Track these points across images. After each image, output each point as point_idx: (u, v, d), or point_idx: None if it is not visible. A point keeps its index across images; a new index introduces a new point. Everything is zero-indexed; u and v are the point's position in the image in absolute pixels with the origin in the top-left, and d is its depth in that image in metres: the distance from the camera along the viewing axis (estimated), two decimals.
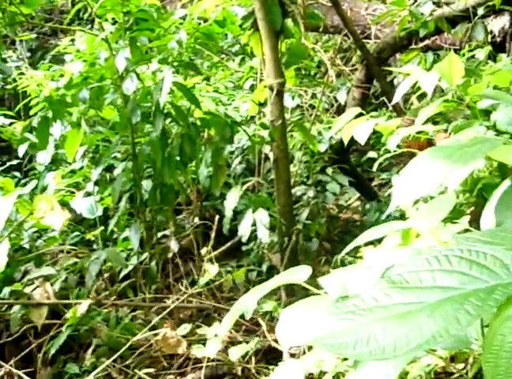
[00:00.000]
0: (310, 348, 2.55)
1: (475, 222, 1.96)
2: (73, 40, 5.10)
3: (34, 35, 7.86)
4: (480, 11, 5.32)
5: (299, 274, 1.26)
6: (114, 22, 4.44)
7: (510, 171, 2.19)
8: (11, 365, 3.46)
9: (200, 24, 4.56)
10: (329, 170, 6.34)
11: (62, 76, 4.62)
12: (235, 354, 3.21)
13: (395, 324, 0.69)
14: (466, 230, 1.79)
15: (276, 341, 3.59)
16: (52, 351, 3.85)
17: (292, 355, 2.85)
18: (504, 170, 2.30)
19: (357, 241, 1.53)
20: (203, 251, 4.19)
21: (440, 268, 0.74)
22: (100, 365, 3.47)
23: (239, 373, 3.34)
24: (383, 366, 1.05)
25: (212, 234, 4.36)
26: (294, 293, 4.36)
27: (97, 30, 4.70)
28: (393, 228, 1.55)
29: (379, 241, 1.93)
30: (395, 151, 2.55)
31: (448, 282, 0.73)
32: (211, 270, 3.83)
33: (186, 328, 3.62)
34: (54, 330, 3.96)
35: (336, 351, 0.69)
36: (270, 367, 3.19)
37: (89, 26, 6.90)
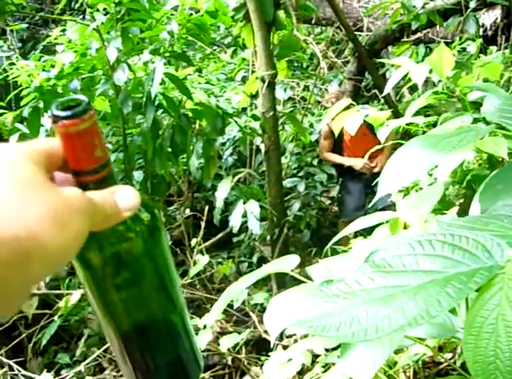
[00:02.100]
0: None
1: (464, 213, 1.97)
2: (64, 30, 5.08)
3: (25, 25, 7.82)
4: (472, 4, 5.34)
5: (288, 263, 1.27)
6: (106, 13, 4.42)
7: (498, 163, 2.20)
8: (2, 355, 3.46)
9: (192, 14, 4.54)
10: (315, 161, 6.40)
11: (53, 66, 4.61)
12: (225, 344, 3.23)
13: (378, 307, 0.71)
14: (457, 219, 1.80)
15: (266, 332, 3.62)
16: (43, 342, 3.86)
17: (284, 348, 2.87)
18: (493, 161, 2.32)
19: (345, 231, 1.54)
20: (193, 242, 4.19)
21: (423, 253, 0.76)
22: (91, 355, 3.48)
23: (230, 362, 3.35)
24: (369, 354, 1.07)
25: (202, 225, 4.36)
26: (285, 284, 4.38)
27: (88, 20, 4.68)
28: (381, 218, 1.57)
29: (370, 233, 1.94)
30: (385, 142, 2.56)
31: (431, 266, 0.74)
32: (201, 260, 3.84)
33: None
34: (45, 320, 3.97)
35: (319, 333, 0.71)
36: (262, 358, 3.21)
37: (81, 16, 6.87)
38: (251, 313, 3.91)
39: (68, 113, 0.51)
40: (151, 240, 0.59)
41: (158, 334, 0.63)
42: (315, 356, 2.21)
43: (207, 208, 4.57)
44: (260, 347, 3.58)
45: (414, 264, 0.75)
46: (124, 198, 0.54)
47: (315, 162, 6.40)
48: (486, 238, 0.75)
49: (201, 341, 3.08)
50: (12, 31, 7.73)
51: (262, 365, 3.00)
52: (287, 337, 3.12)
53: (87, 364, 3.38)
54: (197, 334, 3.29)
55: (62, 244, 0.46)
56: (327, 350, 2.14)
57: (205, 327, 3.39)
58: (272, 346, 1.42)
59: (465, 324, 0.72)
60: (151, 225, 0.59)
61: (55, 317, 3.78)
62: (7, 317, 0.48)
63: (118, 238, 0.57)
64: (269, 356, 2.26)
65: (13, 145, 0.50)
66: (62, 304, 3.69)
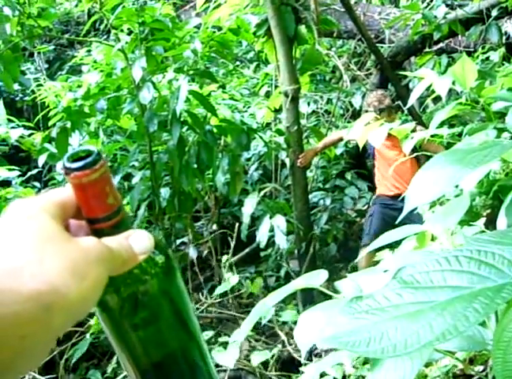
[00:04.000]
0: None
1: (491, 224, 1.96)
2: (89, 51, 5.17)
3: (51, 47, 7.98)
4: (494, 12, 5.31)
5: (316, 278, 1.28)
6: (130, 32, 4.49)
7: None
8: (34, 372, 3.50)
9: (214, 32, 4.59)
10: (348, 175, 6.37)
11: (79, 86, 4.68)
12: (256, 360, 3.24)
13: (406, 323, 0.72)
14: (482, 232, 1.80)
15: (296, 350, 3.61)
16: (74, 359, 3.90)
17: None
18: None
19: (374, 245, 1.55)
20: (223, 258, 4.21)
21: (450, 269, 0.77)
22: (121, 372, 3.50)
23: None
24: (400, 368, 1.07)
25: (232, 243, 4.39)
26: (312, 298, 4.37)
27: (113, 41, 4.76)
28: (408, 232, 1.57)
29: (398, 245, 1.94)
30: (410, 154, 2.56)
31: (458, 281, 0.75)
32: (231, 280, 3.86)
33: (207, 335, 3.65)
34: (76, 337, 4.01)
35: (350, 349, 0.72)
36: (293, 376, 3.21)
37: (105, 37, 6.97)
38: (279, 332, 3.90)
39: (79, 164, 0.52)
40: (166, 280, 0.61)
41: (177, 367, 0.64)
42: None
43: (237, 224, 4.60)
44: (288, 366, 3.58)
45: (441, 280, 0.76)
46: (138, 242, 0.56)
47: (348, 175, 6.39)
48: None
49: (230, 358, 3.09)
50: (39, 53, 7.87)
51: None
52: (315, 356, 3.12)
53: None
54: (225, 349, 3.31)
55: (83, 294, 0.48)
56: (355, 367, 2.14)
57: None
58: (302, 360, 1.43)
59: (494, 339, 0.72)
60: (165, 265, 0.61)
61: (87, 335, 3.82)
62: (35, 368, 0.50)
63: (134, 280, 0.59)
64: (298, 373, 2.26)
65: (28, 200, 0.52)
66: (92, 322, 3.72)
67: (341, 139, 5.23)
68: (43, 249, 0.48)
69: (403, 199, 4.65)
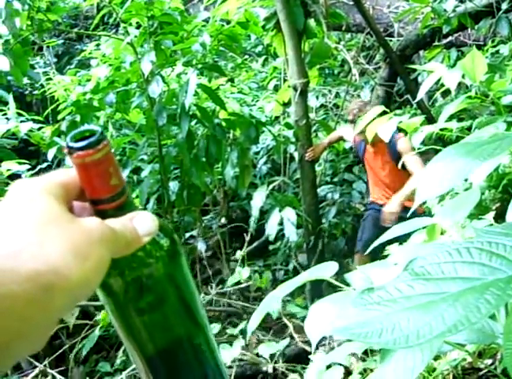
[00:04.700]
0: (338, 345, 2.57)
1: (500, 217, 1.96)
2: (98, 45, 5.19)
3: (60, 41, 7.99)
4: (504, 6, 5.28)
5: (326, 270, 1.29)
6: (139, 26, 4.50)
7: None
8: (45, 365, 3.53)
9: (223, 26, 4.59)
10: (356, 169, 6.36)
11: (88, 80, 4.70)
12: (265, 351, 3.26)
13: (418, 314, 0.73)
14: (491, 226, 1.80)
15: (303, 342, 3.62)
16: (84, 352, 3.92)
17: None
18: None
19: (383, 238, 1.55)
20: (237, 254, 4.23)
21: (461, 260, 0.77)
22: (131, 364, 3.52)
23: (270, 370, 3.37)
24: (409, 360, 1.08)
25: (248, 237, 4.41)
26: (321, 292, 4.38)
27: (122, 34, 4.77)
28: (418, 225, 1.57)
29: (407, 239, 1.94)
30: (419, 148, 2.56)
31: (469, 273, 0.76)
32: (243, 273, 3.87)
33: (214, 327, 3.67)
34: (86, 331, 4.04)
35: (362, 340, 0.73)
36: (300, 367, 3.22)
37: (114, 31, 6.99)
38: (288, 323, 3.91)
39: (83, 144, 0.52)
40: (171, 264, 0.60)
41: (183, 355, 0.64)
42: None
43: (243, 217, 4.61)
44: (297, 358, 3.59)
45: (453, 272, 0.77)
46: (143, 223, 0.55)
47: (355, 169, 6.39)
48: None
49: (235, 350, 3.11)
50: (48, 47, 7.89)
51: (300, 374, 3.01)
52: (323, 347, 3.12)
53: (128, 373, 3.42)
54: (232, 343, 3.32)
55: (85, 275, 0.47)
56: (363, 359, 2.15)
57: (241, 333, 3.41)
58: (312, 352, 1.44)
59: (504, 331, 0.73)
60: (170, 249, 0.60)
61: (96, 330, 3.84)
62: (35, 351, 0.48)
63: (138, 263, 0.58)
64: (307, 366, 2.27)
65: (30, 181, 0.51)
66: (100, 316, 3.74)
67: (341, 138, 5.21)
68: (45, 230, 0.47)
69: None
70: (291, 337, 3.78)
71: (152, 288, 0.59)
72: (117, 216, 0.54)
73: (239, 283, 4.23)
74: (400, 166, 3.97)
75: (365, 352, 2.13)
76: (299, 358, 3.43)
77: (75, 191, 0.54)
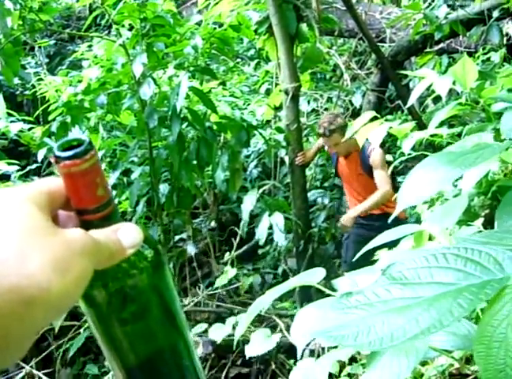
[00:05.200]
0: (328, 348, 2.57)
1: (489, 224, 1.97)
2: (90, 46, 5.17)
3: (52, 42, 7.97)
4: (495, 14, 5.31)
5: (313, 276, 1.29)
6: (131, 28, 4.49)
7: None
8: (31, 367, 3.51)
9: (215, 29, 4.60)
10: None
11: (79, 81, 4.69)
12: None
13: (394, 317, 0.75)
14: (480, 232, 1.81)
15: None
16: (71, 353, 3.91)
17: (312, 351, 2.88)
18: None
19: (371, 244, 1.55)
20: (226, 256, 4.23)
21: (437, 265, 0.80)
22: None
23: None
24: (395, 365, 1.08)
25: (236, 240, 4.40)
26: (310, 297, 4.38)
27: (114, 36, 4.76)
28: (406, 231, 1.58)
29: (396, 244, 1.95)
30: (409, 154, 2.56)
31: (444, 278, 0.78)
32: (229, 272, 3.87)
33: (202, 327, 3.66)
34: (73, 332, 4.02)
35: (338, 342, 0.76)
36: (291, 362, 3.22)
37: (106, 32, 6.97)
38: (278, 320, 3.91)
39: (70, 153, 0.51)
40: (155, 275, 0.60)
41: (164, 365, 0.63)
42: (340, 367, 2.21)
43: (233, 221, 4.61)
44: (288, 352, 3.59)
45: (429, 277, 0.79)
46: (127, 235, 0.54)
47: None
48: (498, 251, 0.79)
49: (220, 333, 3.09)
50: (39, 47, 7.87)
51: (290, 370, 3.00)
52: (311, 352, 3.13)
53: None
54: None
55: (66, 287, 0.47)
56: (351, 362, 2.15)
57: None
58: (298, 357, 1.44)
59: (476, 334, 0.75)
60: (154, 260, 0.60)
61: (83, 331, 3.82)
62: (14, 362, 0.48)
63: (122, 274, 0.58)
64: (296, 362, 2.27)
65: (14, 189, 0.50)
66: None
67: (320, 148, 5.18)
68: (26, 241, 0.46)
69: (378, 218, 4.56)
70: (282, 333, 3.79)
71: (135, 299, 0.59)
72: (102, 227, 0.54)
73: (227, 284, 4.22)
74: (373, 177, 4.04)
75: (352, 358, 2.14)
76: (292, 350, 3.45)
77: (61, 200, 0.53)
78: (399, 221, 5.01)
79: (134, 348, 0.61)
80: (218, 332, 3.18)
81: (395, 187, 4.50)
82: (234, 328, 3.26)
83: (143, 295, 0.59)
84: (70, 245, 0.48)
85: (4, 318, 0.44)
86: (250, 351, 2.55)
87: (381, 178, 4.40)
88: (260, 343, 2.60)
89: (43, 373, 3.49)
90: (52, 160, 0.53)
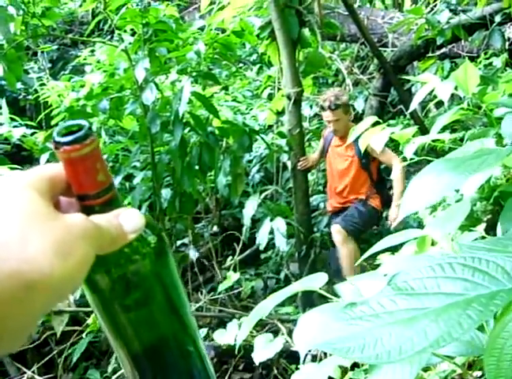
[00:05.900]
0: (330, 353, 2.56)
1: (492, 229, 1.97)
2: (93, 51, 5.18)
3: (55, 47, 7.98)
4: (497, 18, 5.32)
5: (315, 281, 1.29)
6: (134, 33, 4.50)
7: None
8: (33, 372, 3.51)
9: (218, 34, 4.60)
10: None
11: (82, 86, 4.69)
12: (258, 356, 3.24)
13: (401, 329, 0.73)
14: (483, 238, 1.80)
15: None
16: (75, 358, 3.90)
17: (314, 356, 2.88)
18: None
19: (374, 248, 1.55)
20: (228, 261, 4.22)
21: (444, 275, 0.77)
22: (120, 369, 3.50)
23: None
24: (397, 372, 1.08)
25: (239, 245, 4.40)
26: (312, 302, 4.37)
27: (117, 41, 4.77)
28: (409, 236, 1.57)
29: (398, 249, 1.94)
30: (411, 159, 2.56)
31: (451, 288, 0.76)
32: (232, 277, 3.86)
33: (203, 332, 3.65)
34: (75, 337, 4.02)
35: (344, 355, 0.73)
36: (292, 367, 3.21)
37: (109, 37, 6.98)
38: (280, 325, 3.91)
39: (69, 138, 0.51)
40: (158, 261, 0.59)
41: (169, 354, 0.63)
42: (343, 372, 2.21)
43: (236, 226, 4.60)
44: (290, 358, 3.58)
45: (435, 287, 0.77)
46: (129, 220, 0.54)
47: None
48: (505, 260, 0.77)
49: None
50: (42, 52, 7.88)
51: (292, 375, 3.00)
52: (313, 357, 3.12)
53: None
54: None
55: (67, 272, 0.46)
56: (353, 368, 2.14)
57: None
58: (301, 363, 1.43)
59: (487, 346, 0.73)
60: (157, 246, 0.59)
61: (86, 335, 3.81)
62: (14, 350, 0.48)
63: (124, 260, 0.57)
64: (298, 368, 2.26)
65: (15, 176, 0.50)
66: (90, 321, 3.72)
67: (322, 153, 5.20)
68: (27, 226, 0.46)
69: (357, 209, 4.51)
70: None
71: (138, 285, 0.58)
72: (104, 212, 0.53)
73: (230, 289, 4.22)
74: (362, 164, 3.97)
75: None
76: (294, 355, 3.44)
77: (61, 186, 0.53)
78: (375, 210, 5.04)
79: (138, 335, 0.61)
80: (225, 337, 3.16)
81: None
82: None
83: (146, 281, 0.59)
84: (71, 229, 0.48)
85: (5, 304, 0.43)
86: (258, 357, 2.52)
87: (388, 156, 4.38)
88: (265, 348, 2.59)
89: None
90: (52, 146, 0.52)
